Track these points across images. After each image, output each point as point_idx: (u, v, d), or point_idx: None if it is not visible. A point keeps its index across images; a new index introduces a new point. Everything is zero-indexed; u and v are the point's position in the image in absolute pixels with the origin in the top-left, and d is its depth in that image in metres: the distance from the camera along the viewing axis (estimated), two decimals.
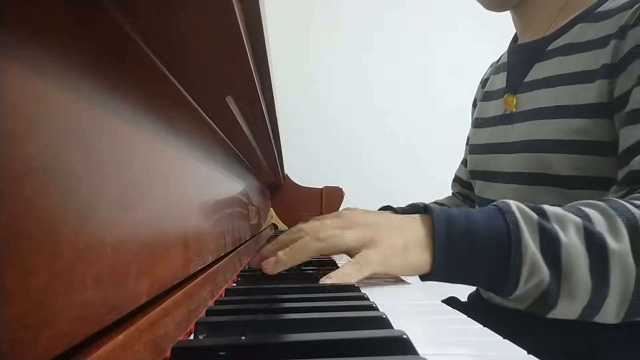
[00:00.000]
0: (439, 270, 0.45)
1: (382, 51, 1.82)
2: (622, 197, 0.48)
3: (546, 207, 0.45)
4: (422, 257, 0.45)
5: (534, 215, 0.44)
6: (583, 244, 0.42)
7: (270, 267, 0.48)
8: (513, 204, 0.45)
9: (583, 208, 0.45)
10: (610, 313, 0.42)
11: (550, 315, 0.44)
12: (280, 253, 0.48)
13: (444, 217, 0.46)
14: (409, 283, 0.51)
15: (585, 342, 0.58)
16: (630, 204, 0.44)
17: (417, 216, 0.48)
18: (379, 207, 0.90)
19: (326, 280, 0.45)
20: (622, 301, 0.42)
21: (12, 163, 0.14)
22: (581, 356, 0.57)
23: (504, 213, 0.44)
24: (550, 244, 0.42)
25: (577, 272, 0.41)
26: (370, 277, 0.47)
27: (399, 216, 0.50)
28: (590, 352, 0.57)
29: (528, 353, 0.27)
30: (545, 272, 0.42)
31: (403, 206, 0.88)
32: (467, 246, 0.44)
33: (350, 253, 0.47)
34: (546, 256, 0.42)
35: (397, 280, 0.53)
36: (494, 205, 0.47)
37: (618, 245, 0.41)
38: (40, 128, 0.15)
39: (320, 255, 0.53)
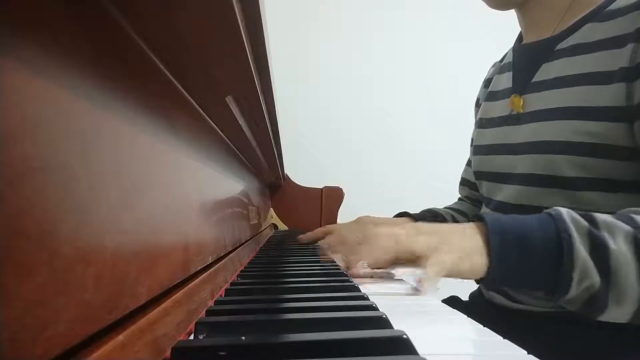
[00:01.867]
0: (495, 273, 0.47)
1: (382, 51, 1.82)
2: None
3: (596, 215, 0.47)
4: (482, 261, 0.47)
5: (585, 223, 0.46)
6: (632, 252, 0.44)
7: (356, 271, 0.53)
8: (564, 212, 0.47)
9: (634, 216, 0.47)
10: None
11: (600, 319, 0.46)
12: (365, 262, 0.53)
13: (497, 223, 0.48)
14: (401, 279, 0.54)
15: (585, 343, 0.58)
16: None
17: (471, 224, 0.51)
18: (395, 214, 0.90)
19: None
20: None
21: (12, 163, 0.14)
22: (581, 356, 0.57)
23: (556, 220, 0.46)
24: (599, 251, 0.44)
25: (625, 279, 0.43)
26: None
27: (455, 224, 0.53)
28: (590, 353, 0.57)
29: (528, 353, 0.27)
30: (595, 277, 0.44)
31: (418, 212, 0.88)
32: (521, 251, 0.46)
33: (417, 257, 0.50)
34: (596, 262, 0.44)
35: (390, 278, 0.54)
36: (546, 212, 0.49)
37: None
38: (40, 128, 0.15)
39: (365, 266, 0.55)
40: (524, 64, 0.72)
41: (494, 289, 0.47)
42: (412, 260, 0.50)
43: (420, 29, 1.82)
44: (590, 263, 0.44)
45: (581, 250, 0.44)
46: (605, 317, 0.46)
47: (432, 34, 1.82)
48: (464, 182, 0.97)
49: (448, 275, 0.48)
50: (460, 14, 1.75)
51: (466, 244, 0.48)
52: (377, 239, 0.53)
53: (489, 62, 0.91)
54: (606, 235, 0.45)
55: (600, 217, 0.47)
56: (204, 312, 0.34)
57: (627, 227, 0.45)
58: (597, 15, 0.61)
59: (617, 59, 0.56)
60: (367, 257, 0.52)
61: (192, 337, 0.30)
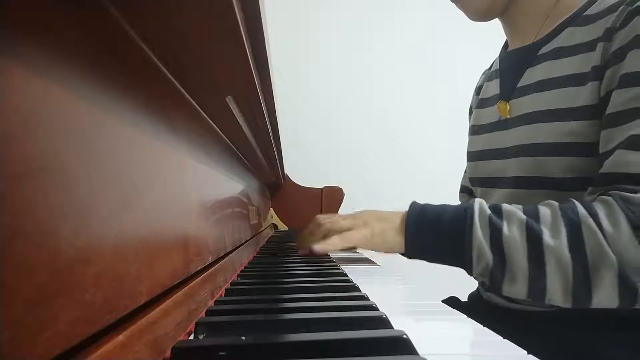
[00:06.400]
0: (411, 250, 0.59)
1: (382, 51, 1.81)
2: (593, 200, 0.53)
3: (504, 206, 0.55)
4: (397, 239, 0.59)
5: (488, 212, 0.54)
6: (523, 237, 0.51)
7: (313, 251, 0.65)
8: (477, 203, 0.56)
9: (539, 207, 0.54)
10: (557, 298, 0.50)
11: (504, 293, 0.53)
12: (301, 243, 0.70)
13: (418, 209, 0.59)
14: (377, 265, 0.69)
15: (585, 343, 0.58)
16: (585, 206, 0.51)
17: (400, 211, 0.62)
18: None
19: (316, 247, 0.63)
20: (565, 287, 0.49)
21: (12, 163, 0.14)
22: (581, 357, 0.58)
23: (466, 209, 0.55)
24: (495, 235, 0.53)
25: (515, 259, 0.51)
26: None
27: (387, 210, 0.65)
28: (590, 353, 0.57)
29: (528, 353, 0.27)
30: (489, 257, 0.52)
31: None
32: (432, 233, 0.57)
33: (343, 232, 0.64)
34: (492, 245, 0.53)
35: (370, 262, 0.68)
36: (466, 202, 0.57)
37: (553, 240, 0.50)
38: (40, 128, 0.15)
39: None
40: (510, 69, 0.74)
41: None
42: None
43: (421, 29, 1.82)
44: (485, 245, 0.52)
45: (479, 234, 0.53)
46: (505, 293, 0.53)
47: (433, 34, 1.82)
48: (463, 190, 0.98)
49: (362, 247, 0.63)
50: (460, 14, 1.74)
51: (379, 226, 0.61)
52: (319, 221, 0.68)
53: (490, 62, 0.91)
54: (504, 223, 0.53)
55: (506, 208, 0.54)
56: (204, 312, 0.34)
57: (523, 217, 0.52)
58: (577, 19, 0.63)
59: (591, 60, 0.58)
60: (310, 237, 0.67)
61: (192, 337, 0.30)
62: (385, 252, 0.63)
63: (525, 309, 0.66)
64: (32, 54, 0.16)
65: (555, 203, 0.53)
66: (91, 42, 0.20)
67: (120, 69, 0.23)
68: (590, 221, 0.49)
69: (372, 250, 0.64)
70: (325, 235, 0.65)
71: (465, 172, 0.97)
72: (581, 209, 0.50)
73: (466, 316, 0.38)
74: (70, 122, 0.18)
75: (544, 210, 0.53)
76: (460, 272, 0.66)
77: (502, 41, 0.82)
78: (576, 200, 0.53)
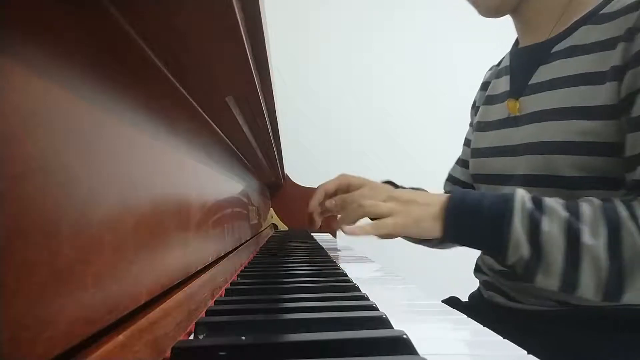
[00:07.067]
0: (448, 234, 0.58)
1: (382, 51, 1.81)
2: (629, 202, 0.52)
3: (546, 200, 0.54)
4: (434, 225, 0.59)
5: (530, 205, 0.54)
6: (562, 235, 0.52)
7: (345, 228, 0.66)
8: (519, 194, 0.56)
9: (581, 203, 0.54)
10: (588, 293, 0.51)
11: (536, 284, 0.54)
12: (340, 222, 0.68)
13: (460, 194, 0.59)
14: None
15: (585, 343, 0.58)
16: (626, 206, 0.51)
17: (443, 195, 0.61)
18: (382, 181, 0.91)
19: (347, 230, 0.63)
20: (597, 285, 0.50)
21: (12, 163, 0.14)
22: (581, 357, 0.57)
23: (507, 200, 0.55)
24: (534, 230, 0.53)
25: (552, 255, 0.52)
26: None
27: (426, 194, 0.64)
28: (590, 353, 0.57)
29: (528, 353, 0.27)
30: (525, 249, 0.53)
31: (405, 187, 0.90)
32: (471, 218, 0.57)
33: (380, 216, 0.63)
34: (530, 238, 0.53)
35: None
36: (507, 192, 0.57)
37: (592, 240, 0.50)
38: (40, 128, 0.15)
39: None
40: (521, 66, 0.73)
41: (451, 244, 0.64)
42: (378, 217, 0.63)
43: (421, 29, 1.82)
44: (523, 237, 0.53)
45: (517, 226, 0.53)
46: (537, 283, 0.54)
47: (433, 34, 1.82)
48: (450, 179, 0.97)
49: (394, 235, 0.62)
50: (461, 14, 1.74)
51: (418, 213, 0.60)
52: (359, 200, 0.66)
53: (490, 63, 0.91)
54: (545, 218, 0.53)
55: (548, 202, 0.54)
56: (204, 312, 0.34)
57: (565, 214, 0.53)
58: (593, 17, 0.62)
59: (609, 60, 0.57)
60: (345, 219, 0.67)
61: (192, 337, 0.30)
62: (415, 237, 0.64)
63: (525, 309, 0.66)
64: (32, 54, 0.16)
65: (598, 201, 0.54)
66: (91, 42, 0.20)
67: (120, 69, 0.23)
68: (630, 223, 0.49)
69: (404, 235, 0.64)
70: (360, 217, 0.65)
71: (456, 162, 0.97)
72: (622, 210, 0.51)
73: (466, 316, 0.38)
74: (70, 122, 0.18)
75: (586, 208, 0.53)
76: (460, 272, 0.66)
77: (502, 41, 0.82)
78: (617, 199, 0.53)
